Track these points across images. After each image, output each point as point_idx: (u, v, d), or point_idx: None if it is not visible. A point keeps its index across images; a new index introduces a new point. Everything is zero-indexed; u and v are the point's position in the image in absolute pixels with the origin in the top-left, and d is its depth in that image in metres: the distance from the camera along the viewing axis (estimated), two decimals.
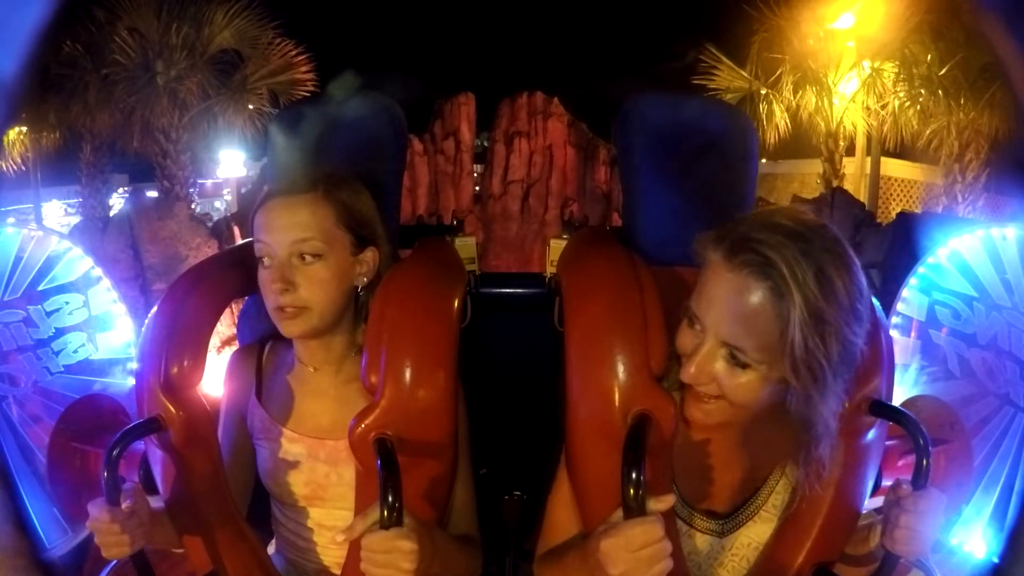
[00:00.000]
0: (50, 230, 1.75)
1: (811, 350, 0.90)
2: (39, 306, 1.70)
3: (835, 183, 8.45)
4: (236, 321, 1.51)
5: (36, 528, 1.54)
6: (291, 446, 1.25)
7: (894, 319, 1.83)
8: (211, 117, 8.40)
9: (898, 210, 9.14)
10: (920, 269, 1.76)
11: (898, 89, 7.94)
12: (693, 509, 1.16)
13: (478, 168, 10.55)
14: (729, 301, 0.94)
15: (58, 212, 10.96)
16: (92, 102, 7.82)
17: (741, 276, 0.93)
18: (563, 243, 1.42)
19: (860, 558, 1.15)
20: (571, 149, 10.27)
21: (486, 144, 10.65)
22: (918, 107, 7.75)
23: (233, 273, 1.29)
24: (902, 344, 1.76)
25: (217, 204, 13.19)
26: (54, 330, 1.75)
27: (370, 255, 1.23)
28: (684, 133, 1.36)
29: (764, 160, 9.61)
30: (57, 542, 1.64)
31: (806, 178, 10.18)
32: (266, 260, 1.18)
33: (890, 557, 1.05)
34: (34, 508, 1.60)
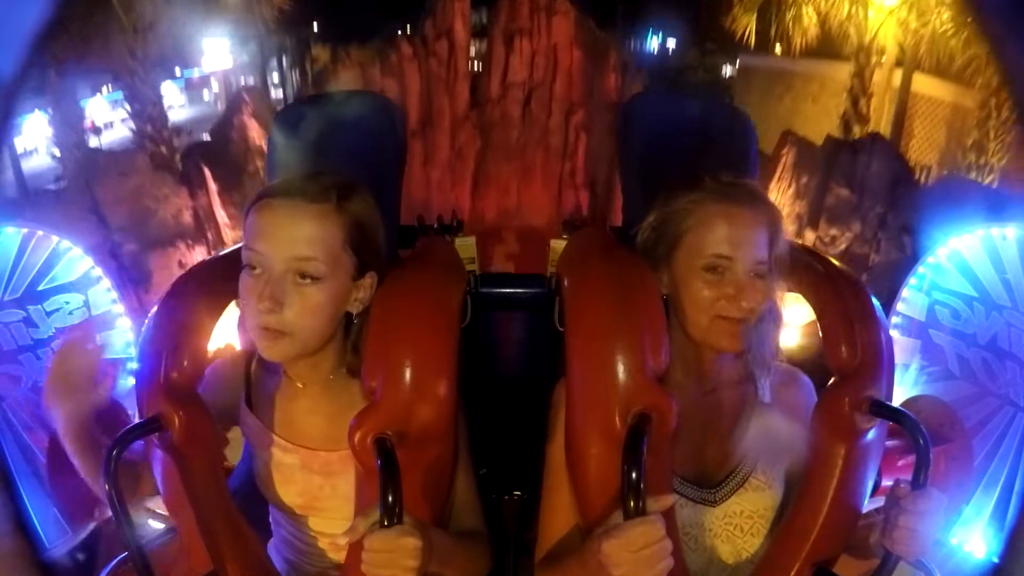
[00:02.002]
0: (50, 230, 1.75)
1: (785, 249, 1.19)
2: (39, 306, 1.70)
3: (862, 101, 7.83)
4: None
5: (36, 528, 1.54)
6: (285, 456, 1.22)
7: (894, 319, 1.83)
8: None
9: (922, 128, 8.37)
10: (920, 269, 1.76)
11: (942, 11, 7.36)
12: (684, 480, 1.18)
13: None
14: (752, 229, 1.15)
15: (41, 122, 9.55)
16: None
17: (752, 210, 1.16)
18: (563, 243, 1.42)
19: (860, 558, 1.16)
20: (577, 50, 9.01)
21: (484, 38, 9.41)
22: (964, 35, 7.10)
23: (234, 273, 1.28)
24: (902, 344, 1.76)
25: (206, 96, 12.25)
26: (54, 330, 1.75)
27: (368, 282, 1.14)
28: (684, 132, 1.36)
29: (779, 53, 8.71)
30: (57, 542, 1.64)
31: (826, 82, 9.25)
32: (256, 269, 1.05)
33: (890, 557, 1.05)
34: (34, 508, 1.60)
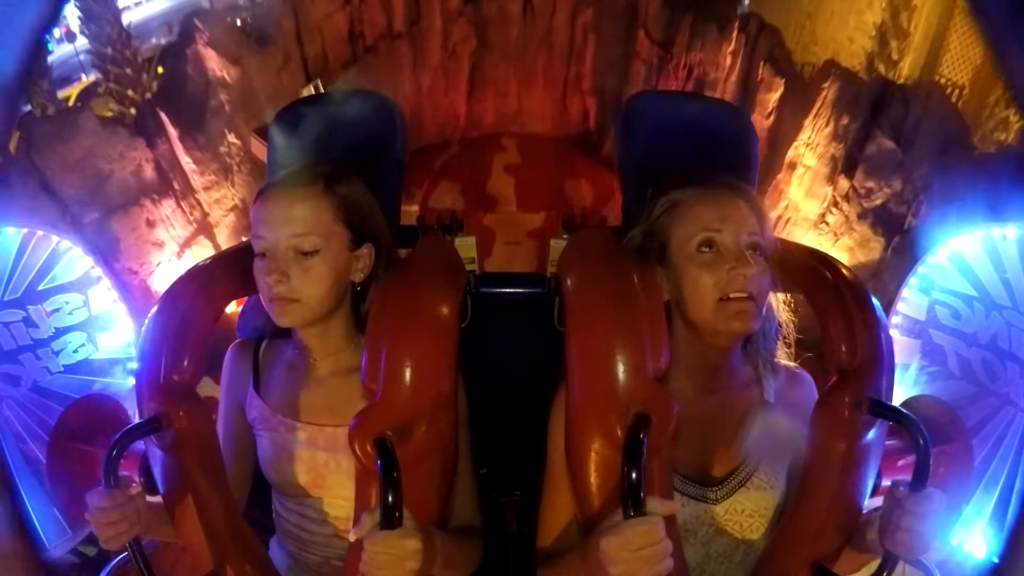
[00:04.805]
0: (50, 230, 1.75)
1: (774, 239, 1.22)
2: (39, 306, 1.70)
3: (903, 15, 6.26)
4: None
5: (36, 528, 1.54)
6: (290, 435, 1.26)
7: (894, 319, 1.83)
8: None
9: (958, 42, 7.18)
10: (920, 268, 1.76)
11: None
12: (685, 478, 1.18)
13: None
14: (737, 208, 1.17)
15: None
16: None
17: (735, 194, 1.18)
18: (563, 243, 1.42)
19: (858, 556, 1.16)
20: None
21: None
22: None
23: (233, 273, 1.29)
24: (902, 344, 1.76)
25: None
26: (54, 330, 1.75)
27: (366, 251, 1.24)
28: (684, 133, 1.36)
29: None
30: (57, 542, 1.64)
31: None
32: (264, 252, 1.18)
33: (890, 557, 1.05)
34: (34, 508, 1.60)
